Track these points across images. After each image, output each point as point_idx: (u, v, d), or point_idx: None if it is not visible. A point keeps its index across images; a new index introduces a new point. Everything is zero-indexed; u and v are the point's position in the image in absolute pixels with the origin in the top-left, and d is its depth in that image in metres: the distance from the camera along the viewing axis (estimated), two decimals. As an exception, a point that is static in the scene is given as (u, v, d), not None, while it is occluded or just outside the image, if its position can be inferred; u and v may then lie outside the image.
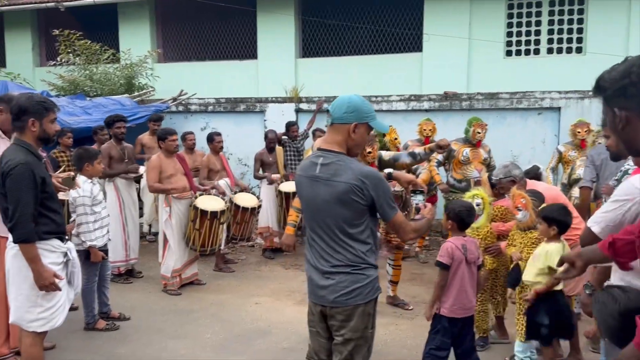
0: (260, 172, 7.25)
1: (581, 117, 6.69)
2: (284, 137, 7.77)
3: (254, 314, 5.13)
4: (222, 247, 6.36)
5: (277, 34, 9.90)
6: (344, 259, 2.52)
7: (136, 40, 10.58)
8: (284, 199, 6.84)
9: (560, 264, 2.23)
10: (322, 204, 2.52)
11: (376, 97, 8.37)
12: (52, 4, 10.59)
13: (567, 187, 5.95)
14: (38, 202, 3.13)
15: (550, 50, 8.79)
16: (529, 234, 3.74)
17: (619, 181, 3.55)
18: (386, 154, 4.41)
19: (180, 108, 9.55)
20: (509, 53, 8.94)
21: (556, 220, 3.42)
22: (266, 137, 7.41)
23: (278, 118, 8.75)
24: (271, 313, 5.15)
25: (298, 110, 8.95)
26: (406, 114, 8.30)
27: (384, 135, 6.17)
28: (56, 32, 9.64)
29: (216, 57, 10.85)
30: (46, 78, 10.04)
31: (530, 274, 3.50)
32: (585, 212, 4.79)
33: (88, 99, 8.61)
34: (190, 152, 6.82)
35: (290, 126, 7.85)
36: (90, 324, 4.69)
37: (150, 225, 7.88)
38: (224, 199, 6.07)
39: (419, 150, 4.34)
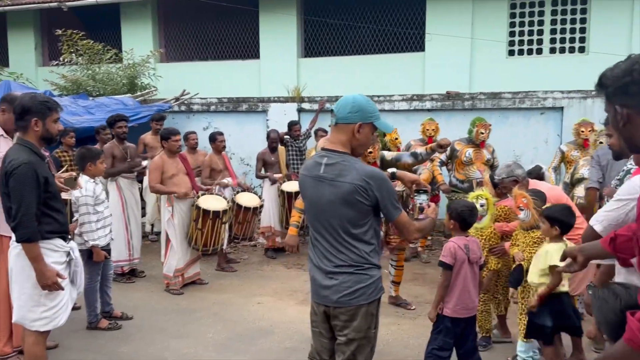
0: (263, 171, 7.26)
1: (584, 116, 6.68)
2: (286, 136, 7.77)
3: (256, 314, 5.13)
4: (225, 246, 6.37)
5: (279, 34, 9.91)
6: (348, 259, 2.51)
7: (139, 40, 10.60)
8: (286, 198, 6.85)
9: (563, 259, 2.24)
10: (327, 204, 2.52)
11: (378, 96, 8.37)
12: (55, 4, 10.61)
13: (569, 187, 5.94)
14: (41, 201, 3.13)
15: (552, 50, 8.78)
16: (531, 233, 3.74)
17: (621, 181, 3.55)
18: (388, 154, 4.42)
19: (183, 108, 9.57)
20: (511, 53, 8.94)
21: (558, 221, 3.42)
22: (268, 136, 7.41)
23: (280, 118, 8.76)
24: (273, 313, 5.15)
25: (300, 110, 8.96)
26: (408, 113, 8.30)
27: (384, 134, 6.17)
28: (59, 32, 9.66)
29: (218, 57, 10.86)
30: (49, 78, 10.06)
31: (534, 275, 3.49)
32: (591, 213, 4.78)
33: (91, 98, 8.62)
34: (192, 152, 6.85)
35: (293, 126, 7.86)
36: (93, 323, 4.70)
37: (152, 225, 7.89)
38: (227, 198, 6.07)
39: (420, 150, 4.34)
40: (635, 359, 1.48)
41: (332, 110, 2.63)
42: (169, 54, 11.10)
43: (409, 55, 9.47)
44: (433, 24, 9.00)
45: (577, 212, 3.88)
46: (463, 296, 3.40)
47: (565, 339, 3.84)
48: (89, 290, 4.57)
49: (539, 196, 3.77)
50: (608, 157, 4.80)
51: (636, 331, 1.45)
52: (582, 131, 6.07)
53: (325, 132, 7.51)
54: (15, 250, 3.19)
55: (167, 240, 5.75)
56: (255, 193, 6.89)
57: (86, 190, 4.48)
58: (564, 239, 3.47)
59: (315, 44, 10.23)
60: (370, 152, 4.47)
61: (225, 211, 5.83)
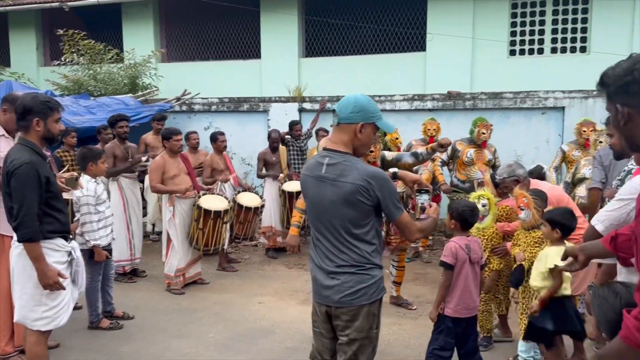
0: (264, 171, 7.26)
1: (585, 116, 6.68)
2: (287, 136, 7.77)
3: (257, 314, 5.13)
4: (226, 246, 6.37)
5: (280, 34, 9.91)
6: (349, 259, 2.51)
7: (140, 40, 10.60)
8: (287, 198, 6.85)
9: (564, 258, 2.24)
10: (328, 204, 2.52)
11: (379, 96, 8.37)
12: (56, 4, 10.62)
13: (570, 187, 5.93)
14: (42, 201, 3.14)
15: (554, 50, 8.77)
16: (532, 233, 3.73)
17: (622, 181, 3.55)
18: (389, 154, 4.42)
19: (184, 108, 9.57)
20: (512, 52, 8.93)
21: (560, 224, 3.40)
22: (269, 136, 7.41)
23: (281, 117, 8.76)
24: (274, 312, 5.15)
25: (301, 110, 8.96)
26: (409, 113, 8.30)
27: (384, 134, 6.17)
28: (60, 32, 9.68)
29: (220, 57, 10.87)
30: (50, 78, 10.07)
31: (536, 279, 3.47)
32: (594, 214, 4.77)
33: (92, 98, 8.63)
34: (193, 152, 6.85)
35: (294, 126, 7.86)
36: (94, 322, 4.70)
37: (153, 225, 7.90)
38: (228, 198, 6.08)
39: (421, 150, 4.34)
40: (632, 356, 1.48)
41: (334, 110, 2.62)
42: (170, 53, 11.11)
43: (410, 55, 9.47)
44: (434, 24, 9.00)
45: (579, 213, 3.88)
46: (464, 296, 3.40)
47: (567, 338, 3.83)
48: (90, 290, 4.57)
49: (540, 196, 3.76)
50: (610, 157, 4.79)
51: (632, 328, 1.45)
52: (584, 131, 6.06)
53: (327, 132, 7.50)
54: (16, 250, 3.19)
55: (169, 240, 5.75)
56: (257, 193, 6.89)
57: (87, 190, 4.48)
58: (565, 242, 3.44)
59: (316, 43, 10.23)
60: (371, 152, 4.47)
61: (226, 211, 5.83)
